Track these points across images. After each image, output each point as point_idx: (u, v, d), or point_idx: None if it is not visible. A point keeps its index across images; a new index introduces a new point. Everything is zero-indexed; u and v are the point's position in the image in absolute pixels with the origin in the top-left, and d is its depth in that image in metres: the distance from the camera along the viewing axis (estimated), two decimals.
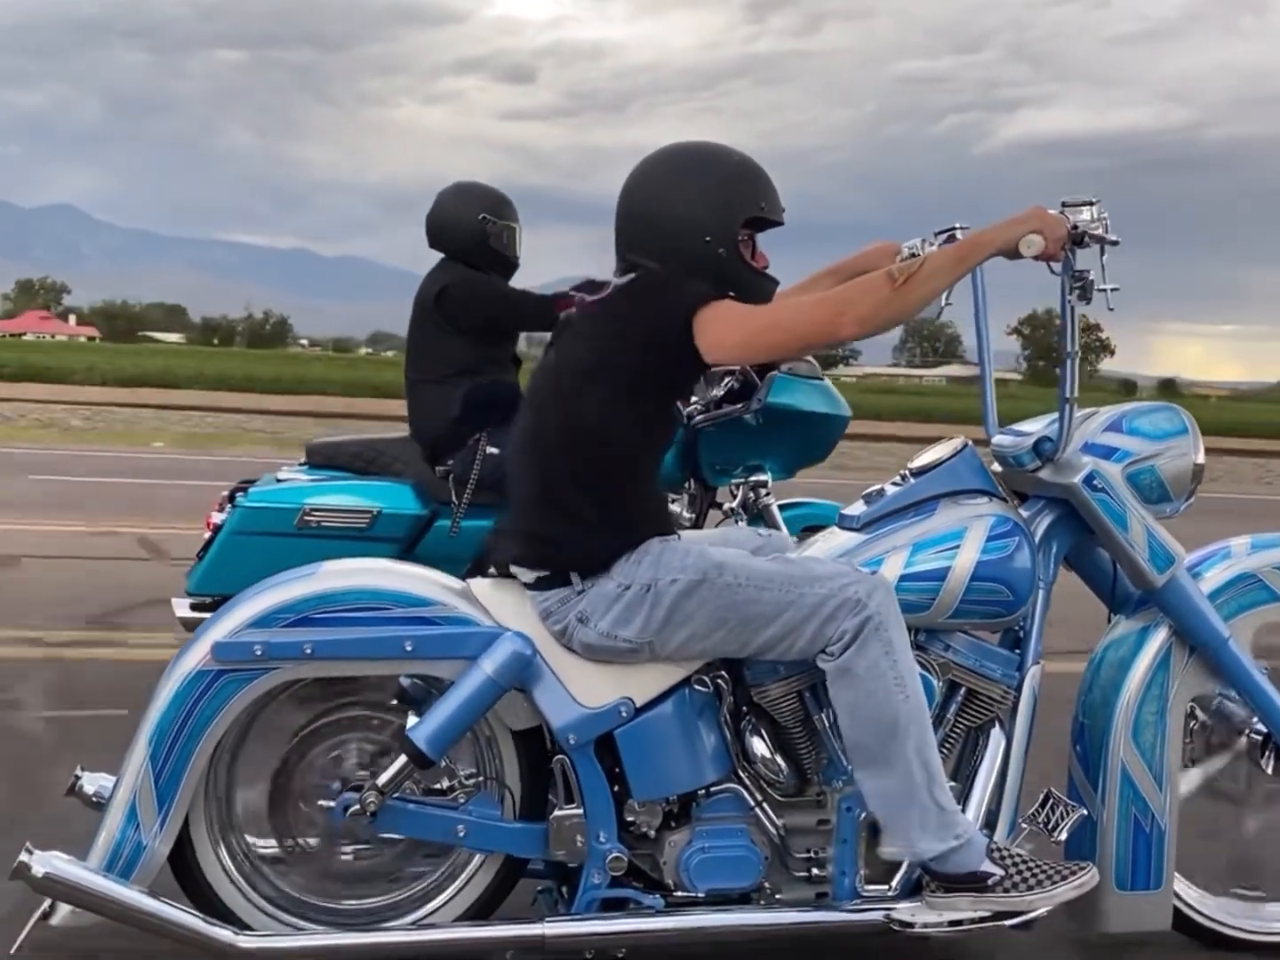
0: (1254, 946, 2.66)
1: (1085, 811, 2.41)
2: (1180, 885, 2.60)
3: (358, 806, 2.21)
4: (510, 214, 4.26)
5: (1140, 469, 2.48)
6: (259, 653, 2.19)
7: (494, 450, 3.91)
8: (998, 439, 2.61)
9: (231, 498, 3.98)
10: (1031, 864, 2.25)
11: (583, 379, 2.27)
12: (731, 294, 2.27)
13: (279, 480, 4.08)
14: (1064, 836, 2.36)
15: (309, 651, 2.20)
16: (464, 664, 2.24)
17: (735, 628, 2.24)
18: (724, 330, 2.18)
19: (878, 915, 2.31)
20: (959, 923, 2.26)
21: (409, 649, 2.23)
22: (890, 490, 2.51)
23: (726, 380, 4.31)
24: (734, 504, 4.30)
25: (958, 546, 2.37)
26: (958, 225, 2.64)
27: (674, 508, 4.33)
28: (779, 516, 4.23)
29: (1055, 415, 2.51)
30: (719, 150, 2.37)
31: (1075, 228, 2.25)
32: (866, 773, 2.24)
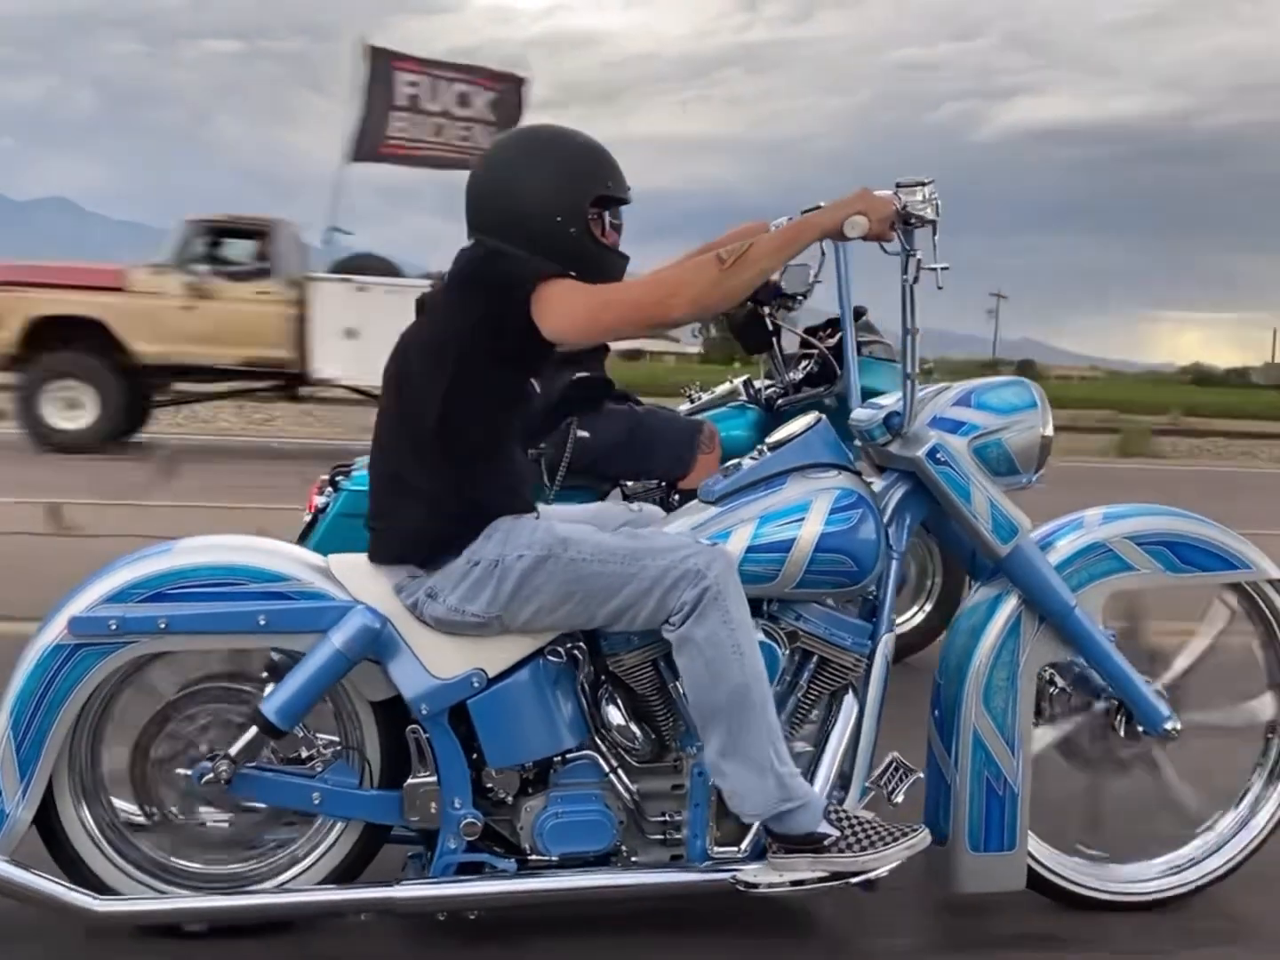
0: (1107, 906, 2.73)
1: (921, 775, 2.49)
2: (1035, 846, 2.68)
3: (211, 775, 2.28)
4: None
5: (987, 442, 2.54)
6: (114, 627, 2.26)
7: (584, 434, 4.00)
8: (856, 413, 2.68)
9: (333, 481, 4.05)
10: (867, 825, 2.33)
11: (429, 358, 2.33)
12: (580, 272, 2.33)
13: None
14: (900, 799, 2.44)
15: (163, 626, 2.27)
16: (319, 638, 2.31)
17: (581, 600, 2.31)
18: (561, 309, 2.24)
19: (726, 876, 2.39)
20: (801, 883, 2.34)
21: (263, 623, 2.30)
22: (747, 464, 2.58)
23: (805, 363, 4.39)
24: None
25: (803, 519, 2.44)
26: (821, 205, 2.70)
27: None
28: None
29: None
30: (565, 132, 2.43)
31: (905, 207, 2.31)
32: (708, 737, 2.32)
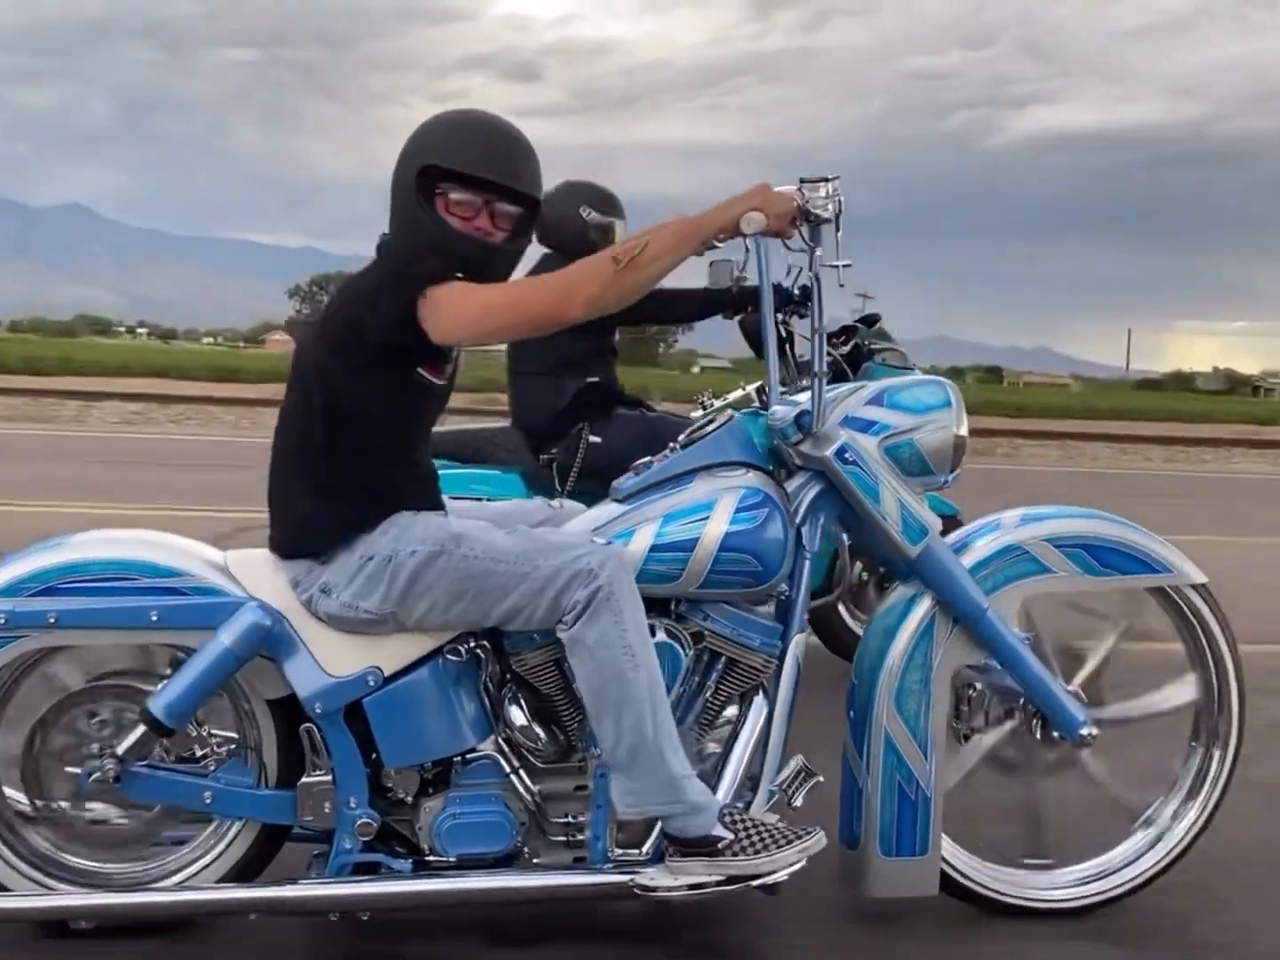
0: (1027, 912, 2.70)
1: (821, 779, 2.46)
2: (953, 852, 2.65)
3: (99, 773, 2.26)
4: (614, 210, 4.30)
5: (899, 442, 2.51)
6: (3, 621, 2.24)
7: (596, 439, 4.05)
8: (771, 411, 2.64)
9: None
10: (763, 829, 2.29)
11: (325, 352, 2.31)
12: (468, 269, 2.29)
13: None
14: (799, 803, 2.41)
15: (53, 621, 2.25)
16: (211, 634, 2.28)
17: (474, 599, 2.28)
18: (447, 313, 2.21)
19: (625, 879, 2.36)
20: (699, 886, 2.30)
21: (155, 619, 2.28)
22: (658, 462, 2.55)
23: None
24: None
25: (707, 518, 2.40)
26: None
27: None
28: None
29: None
30: (451, 111, 2.39)
31: (805, 204, 2.27)
32: (601, 738, 2.29)
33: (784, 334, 4.41)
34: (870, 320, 4.54)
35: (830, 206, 2.27)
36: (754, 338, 4.52)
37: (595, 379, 4.24)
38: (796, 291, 4.37)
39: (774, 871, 2.26)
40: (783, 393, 2.64)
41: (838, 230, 2.31)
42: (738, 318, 4.54)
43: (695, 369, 61.71)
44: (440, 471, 4.29)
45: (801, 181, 2.30)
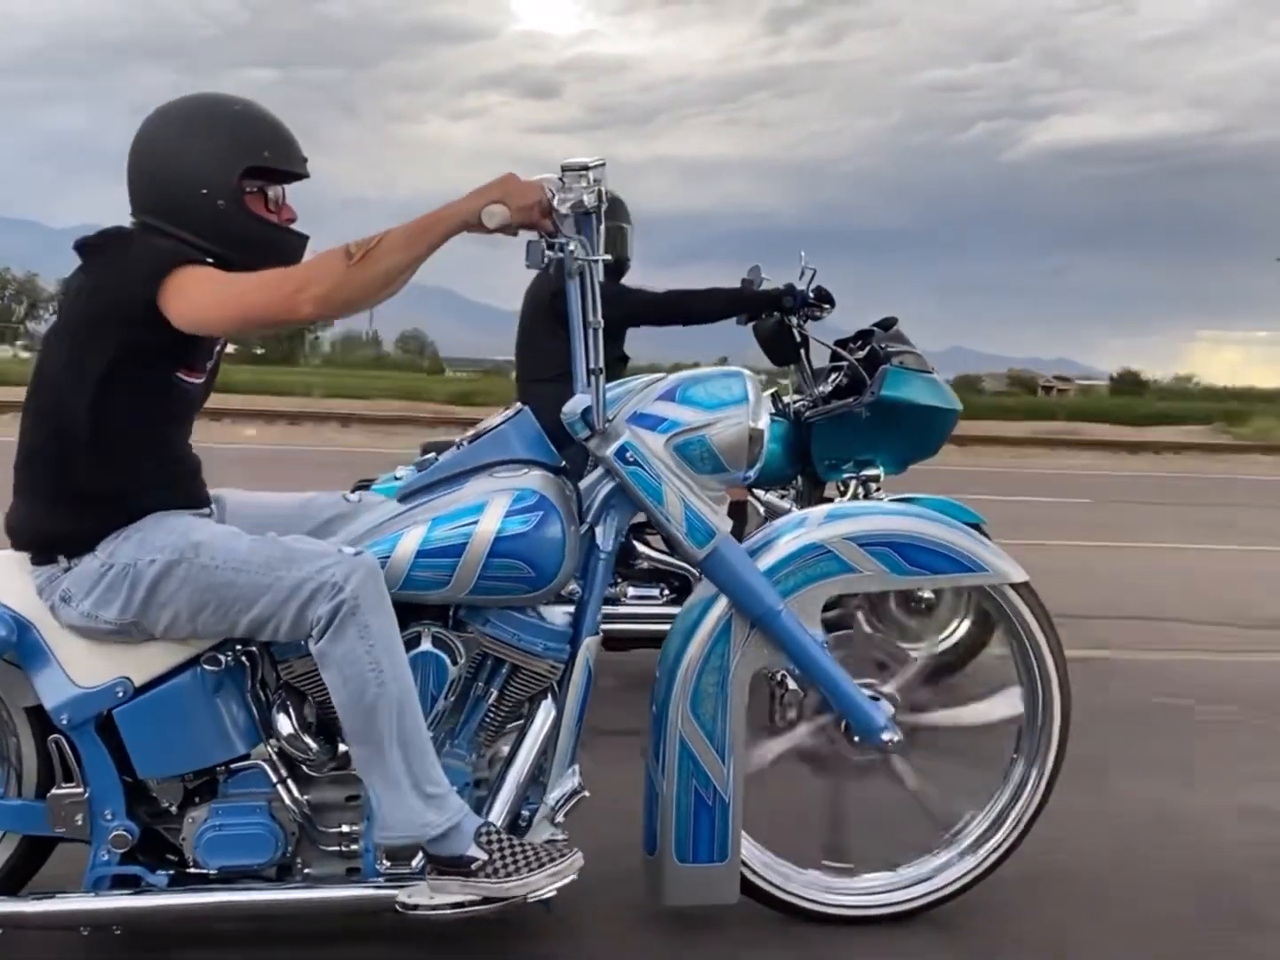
0: (833, 919, 2.63)
1: (587, 794, 2.37)
2: (754, 854, 2.57)
3: None
4: (621, 215, 4.26)
5: (689, 439, 2.39)
6: None
7: None
8: (566, 405, 2.52)
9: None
10: (519, 849, 2.21)
11: (63, 345, 2.19)
12: (235, 253, 2.19)
13: (398, 479, 4.30)
14: (560, 819, 2.32)
15: None
16: None
17: (217, 610, 2.18)
18: (188, 299, 2.08)
19: (386, 894, 2.29)
20: (460, 905, 2.23)
21: None
22: (443, 459, 2.44)
23: (835, 375, 4.36)
24: (845, 499, 4.25)
25: (476, 521, 2.30)
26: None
27: (782, 503, 4.43)
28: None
29: (615, 384, 2.45)
30: (219, 99, 2.28)
31: (565, 190, 2.13)
32: (354, 754, 2.20)
33: (799, 338, 4.45)
34: (887, 324, 4.49)
35: (588, 198, 2.13)
36: (768, 343, 4.55)
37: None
38: (811, 294, 4.32)
39: (525, 893, 2.18)
40: (796, 400, 2.50)
41: (599, 222, 2.17)
42: (751, 323, 4.48)
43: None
44: None
45: (563, 170, 2.16)
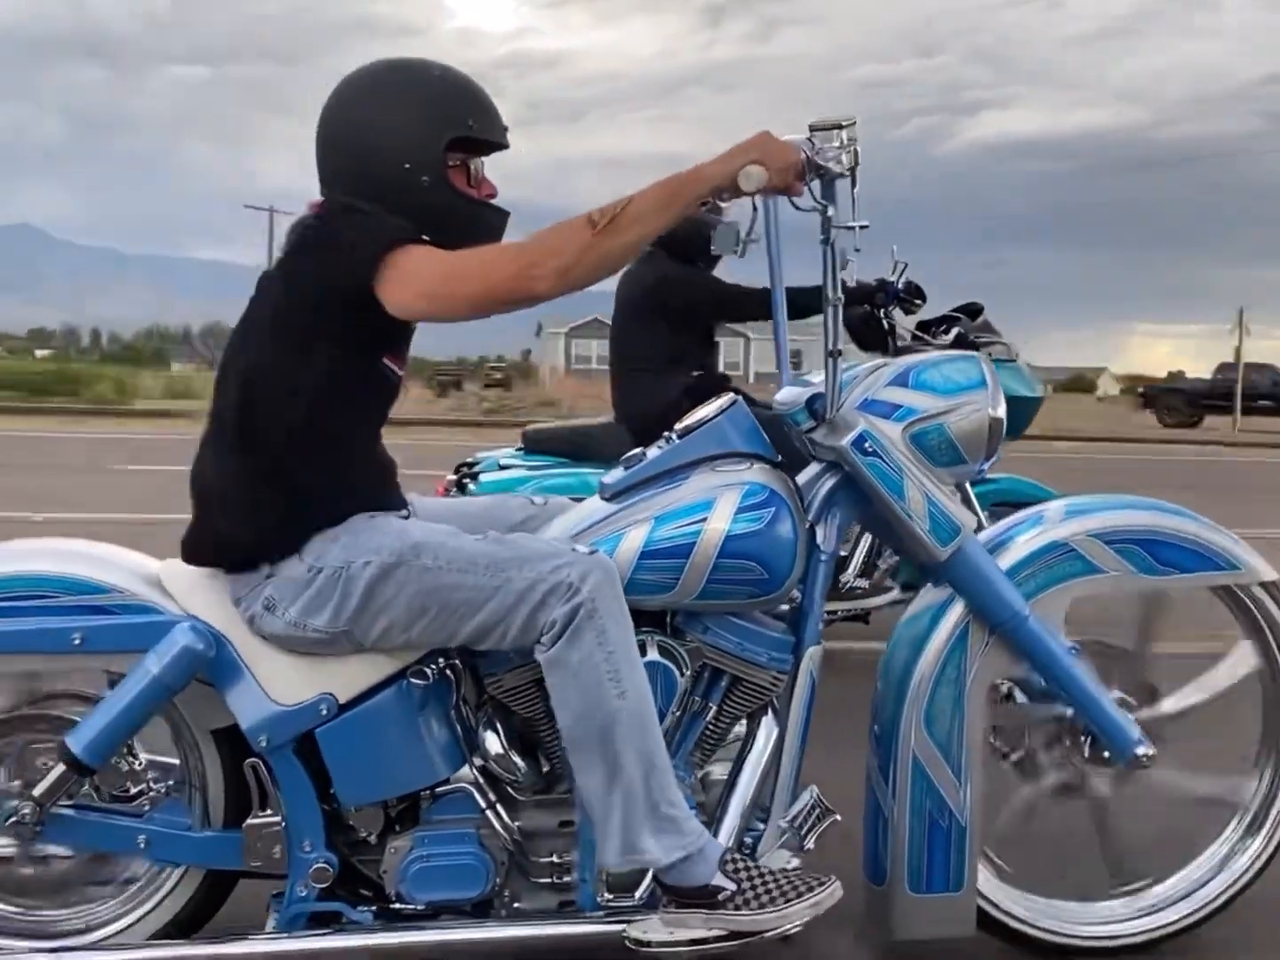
0: (1074, 951, 2.40)
1: (839, 818, 2.16)
2: (991, 885, 2.35)
3: (15, 818, 1.99)
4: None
5: (926, 428, 2.18)
6: None
7: None
8: (781, 394, 2.33)
9: (459, 484, 4.18)
10: (769, 878, 2.00)
11: (265, 337, 2.02)
12: (437, 230, 2.00)
13: (502, 466, 4.31)
14: (810, 845, 2.11)
15: None
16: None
17: (438, 616, 1.99)
18: (407, 282, 1.90)
19: (613, 929, 2.07)
20: (700, 942, 2.01)
21: (78, 642, 2.00)
22: (651, 454, 2.24)
23: None
24: None
25: (705, 519, 2.10)
26: None
27: None
28: (972, 493, 4.12)
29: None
30: (419, 65, 2.10)
31: (815, 155, 1.95)
32: (581, 772, 2.00)
33: (887, 326, 4.45)
34: (974, 311, 4.48)
35: (844, 158, 1.95)
36: (857, 331, 4.53)
37: (700, 371, 4.28)
38: (902, 288, 4.33)
39: (780, 928, 1.96)
40: (801, 375, 2.35)
41: (854, 186, 1.98)
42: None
43: None
44: (551, 469, 4.23)
45: (811, 130, 1.98)
